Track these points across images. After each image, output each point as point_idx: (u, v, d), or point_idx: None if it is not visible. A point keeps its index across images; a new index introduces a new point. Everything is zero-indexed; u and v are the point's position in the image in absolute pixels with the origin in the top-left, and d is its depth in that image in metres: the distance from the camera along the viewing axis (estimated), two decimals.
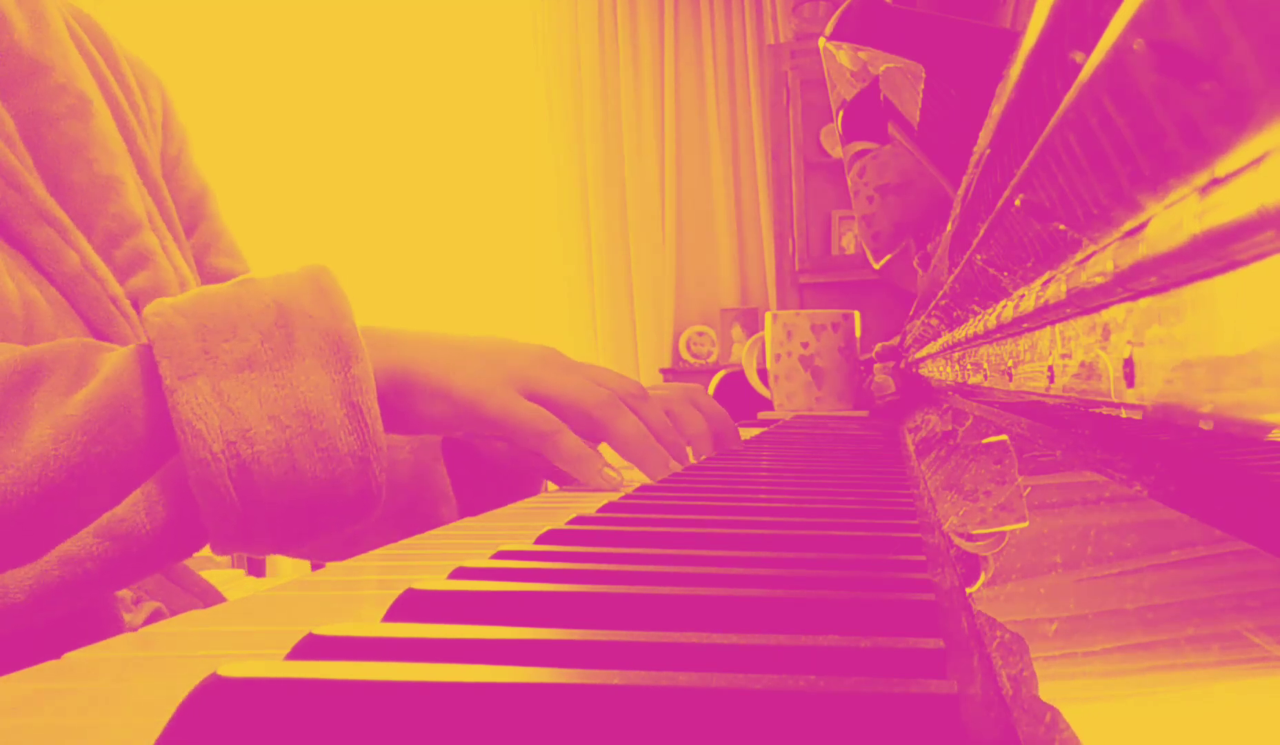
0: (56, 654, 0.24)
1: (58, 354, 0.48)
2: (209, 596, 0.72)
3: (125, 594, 0.63)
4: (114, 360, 0.49)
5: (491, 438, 0.60)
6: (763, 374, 1.40)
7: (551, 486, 0.73)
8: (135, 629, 0.26)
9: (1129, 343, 0.22)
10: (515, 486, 0.72)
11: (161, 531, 0.47)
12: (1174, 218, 0.17)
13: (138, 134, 0.73)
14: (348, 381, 0.50)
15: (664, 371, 4.03)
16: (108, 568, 0.46)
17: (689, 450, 0.67)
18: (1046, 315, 0.30)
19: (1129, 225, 0.20)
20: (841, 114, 0.77)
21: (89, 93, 0.69)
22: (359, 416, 0.50)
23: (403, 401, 0.55)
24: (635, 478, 0.61)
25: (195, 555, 0.52)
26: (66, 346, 0.49)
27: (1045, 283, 0.29)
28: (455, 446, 0.70)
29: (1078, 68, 0.20)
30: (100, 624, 0.57)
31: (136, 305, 0.66)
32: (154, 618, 0.64)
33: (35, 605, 0.45)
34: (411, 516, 0.65)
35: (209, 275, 0.77)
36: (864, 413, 1.32)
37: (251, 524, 0.48)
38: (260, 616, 0.29)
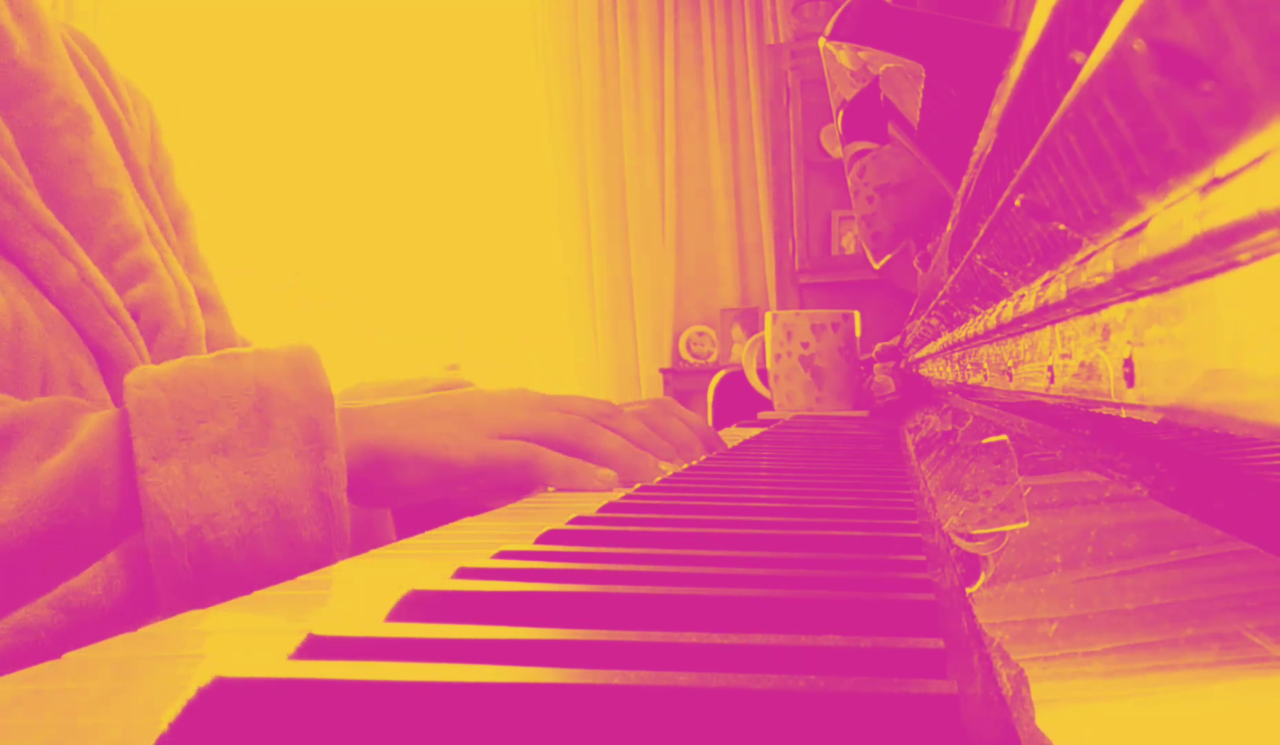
0: (56, 653, 0.24)
1: (33, 416, 0.48)
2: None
3: None
4: (90, 428, 0.49)
5: (478, 491, 0.60)
6: (763, 374, 1.40)
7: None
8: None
9: (1129, 343, 0.22)
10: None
11: (118, 604, 0.48)
12: (1174, 218, 0.17)
13: (133, 147, 0.74)
14: (319, 472, 0.50)
15: (664, 371, 4.03)
16: (60, 638, 0.46)
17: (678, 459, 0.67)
18: (1046, 315, 0.30)
19: (1129, 225, 0.20)
20: (841, 114, 0.77)
21: (87, 108, 0.69)
22: (327, 507, 0.50)
23: (381, 476, 0.56)
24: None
25: None
26: (44, 408, 0.49)
27: (1045, 283, 0.29)
28: None
29: (1078, 68, 0.20)
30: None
31: (136, 316, 0.66)
32: None
33: None
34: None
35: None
36: (864, 413, 1.32)
37: (205, 597, 0.48)
38: (260, 617, 0.29)
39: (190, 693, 0.16)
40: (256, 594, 0.32)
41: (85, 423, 0.49)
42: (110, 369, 0.63)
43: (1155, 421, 0.20)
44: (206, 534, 0.47)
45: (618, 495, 0.51)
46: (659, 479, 0.58)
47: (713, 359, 4.04)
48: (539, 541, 0.33)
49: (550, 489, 0.60)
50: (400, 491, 0.57)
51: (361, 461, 0.54)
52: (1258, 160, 0.13)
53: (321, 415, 0.51)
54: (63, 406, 0.50)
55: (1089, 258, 0.23)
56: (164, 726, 0.16)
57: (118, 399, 0.63)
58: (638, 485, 0.57)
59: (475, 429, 0.58)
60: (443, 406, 0.59)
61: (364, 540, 0.66)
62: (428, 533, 0.45)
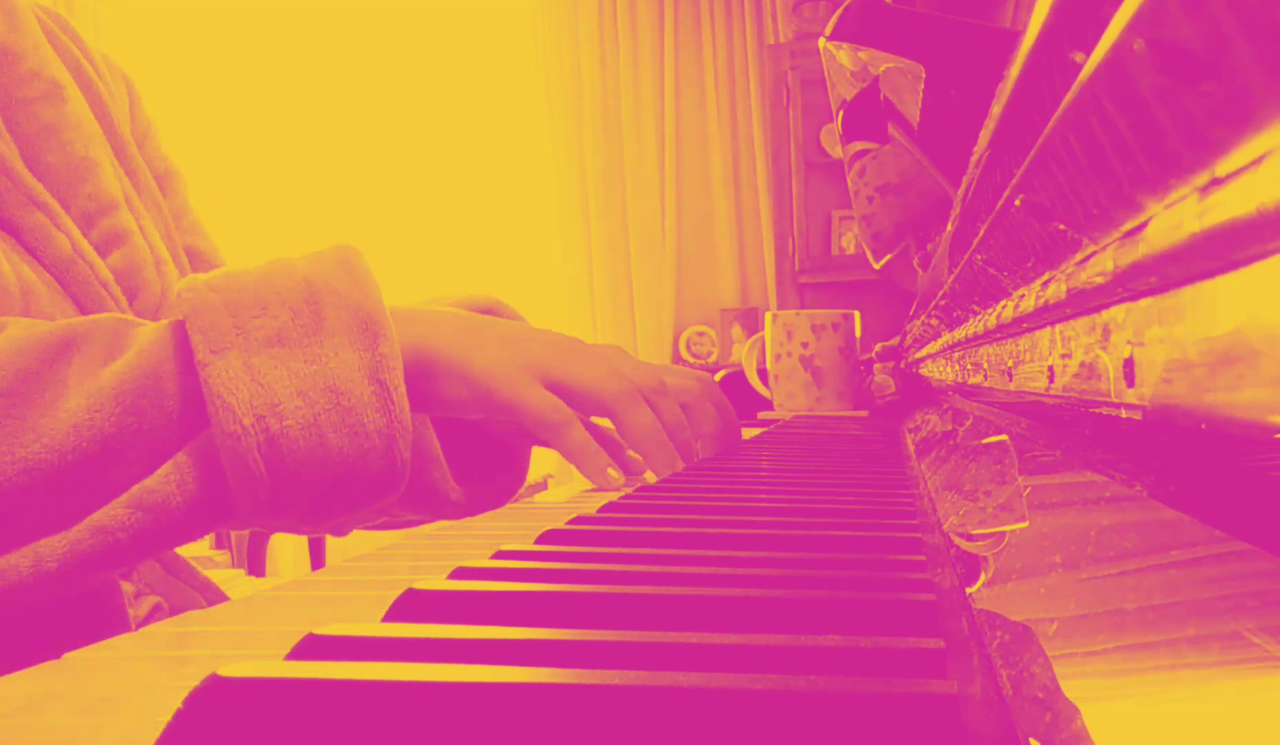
0: (57, 653, 0.24)
1: (91, 327, 0.49)
2: (209, 592, 0.72)
3: (127, 588, 0.63)
4: (147, 334, 0.50)
5: (503, 423, 0.61)
6: (763, 374, 1.40)
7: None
8: (136, 622, 0.26)
9: (1129, 343, 0.22)
10: (503, 446, 0.72)
11: (191, 503, 0.48)
12: (1174, 218, 0.17)
13: (112, 115, 0.74)
14: (375, 359, 0.51)
15: None
16: (138, 538, 0.47)
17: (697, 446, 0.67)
18: (1046, 315, 0.30)
19: (1129, 225, 0.20)
20: (841, 114, 0.77)
21: (61, 79, 0.70)
22: (385, 394, 0.50)
23: (424, 381, 0.56)
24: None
25: (196, 554, 0.52)
26: (100, 320, 0.50)
27: (1045, 283, 0.29)
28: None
29: (1078, 68, 0.20)
30: (106, 615, 0.57)
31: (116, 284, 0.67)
32: (154, 612, 0.65)
33: (66, 575, 0.46)
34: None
35: (175, 255, 0.78)
36: (864, 413, 1.32)
37: (278, 498, 0.49)
38: (260, 616, 0.29)
39: (188, 693, 0.16)
40: (257, 594, 0.32)
41: (142, 330, 0.50)
42: None
43: (1155, 421, 0.20)
44: (272, 424, 0.48)
45: (618, 495, 0.51)
46: (655, 479, 0.58)
47: (713, 359, 4.04)
48: (538, 541, 0.33)
49: (549, 485, 0.60)
50: (439, 401, 0.57)
51: (410, 361, 0.55)
52: (1258, 160, 0.13)
53: (372, 305, 0.52)
54: (116, 320, 0.51)
55: (1089, 258, 0.23)
56: (162, 727, 0.16)
57: None
58: (638, 485, 0.57)
59: (523, 367, 0.58)
60: (493, 329, 0.59)
61: (414, 452, 0.66)
62: (428, 533, 0.45)
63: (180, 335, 0.50)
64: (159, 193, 0.76)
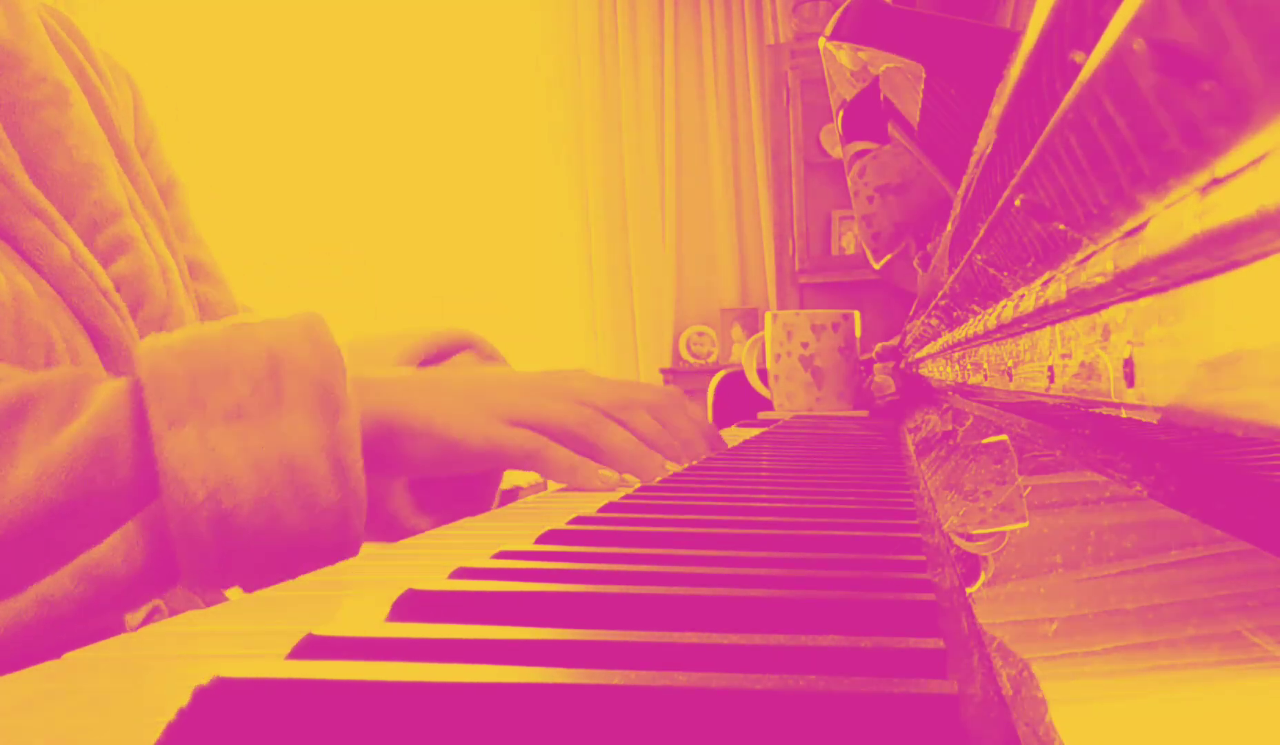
0: (57, 653, 0.24)
1: (46, 388, 0.48)
2: (209, 594, 0.72)
3: None
4: (104, 397, 0.49)
5: (480, 468, 0.60)
6: (763, 374, 1.40)
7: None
8: (134, 626, 0.26)
9: (1129, 343, 0.22)
10: (470, 485, 0.72)
11: (138, 574, 0.47)
12: (1174, 218, 0.17)
13: (116, 121, 0.73)
14: (333, 435, 0.50)
15: (664, 371, 4.03)
16: (82, 608, 0.46)
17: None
18: (1046, 315, 0.30)
19: (1129, 225, 0.20)
20: (841, 114, 0.77)
21: (66, 82, 0.69)
22: (342, 470, 0.50)
23: (389, 446, 0.56)
24: (634, 480, 0.61)
25: None
26: (56, 379, 0.49)
27: (1045, 283, 0.29)
28: None
29: (1078, 68, 0.20)
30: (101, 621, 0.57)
31: (118, 290, 0.66)
32: (153, 614, 0.64)
33: (9, 644, 0.45)
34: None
35: (178, 264, 0.77)
36: (864, 413, 1.32)
37: (226, 568, 0.48)
38: (260, 617, 0.29)
39: (189, 693, 0.16)
40: (256, 594, 0.32)
41: (99, 392, 0.49)
42: (104, 347, 0.63)
43: (1155, 421, 0.20)
44: (224, 499, 0.47)
45: (618, 495, 0.51)
46: (659, 478, 0.58)
47: (713, 359, 4.04)
48: (539, 541, 0.33)
49: (549, 485, 0.60)
50: (407, 464, 0.57)
51: (372, 431, 0.54)
52: (1257, 160, 0.13)
53: (334, 378, 0.51)
54: (75, 377, 0.50)
55: (1089, 258, 0.23)
56: (163, 727, 0.16)
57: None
58: (638, 485, 0.57)
59: (486, 412, 0.58)
60: (456, 384, 0.59)
61: (375, 512, 0.66)
62: (428, 532, 0.45)
63: (137, 401, 0.48)
64: (160, 202, 0.76)
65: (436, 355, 0.73)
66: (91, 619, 0.48)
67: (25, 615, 0.45)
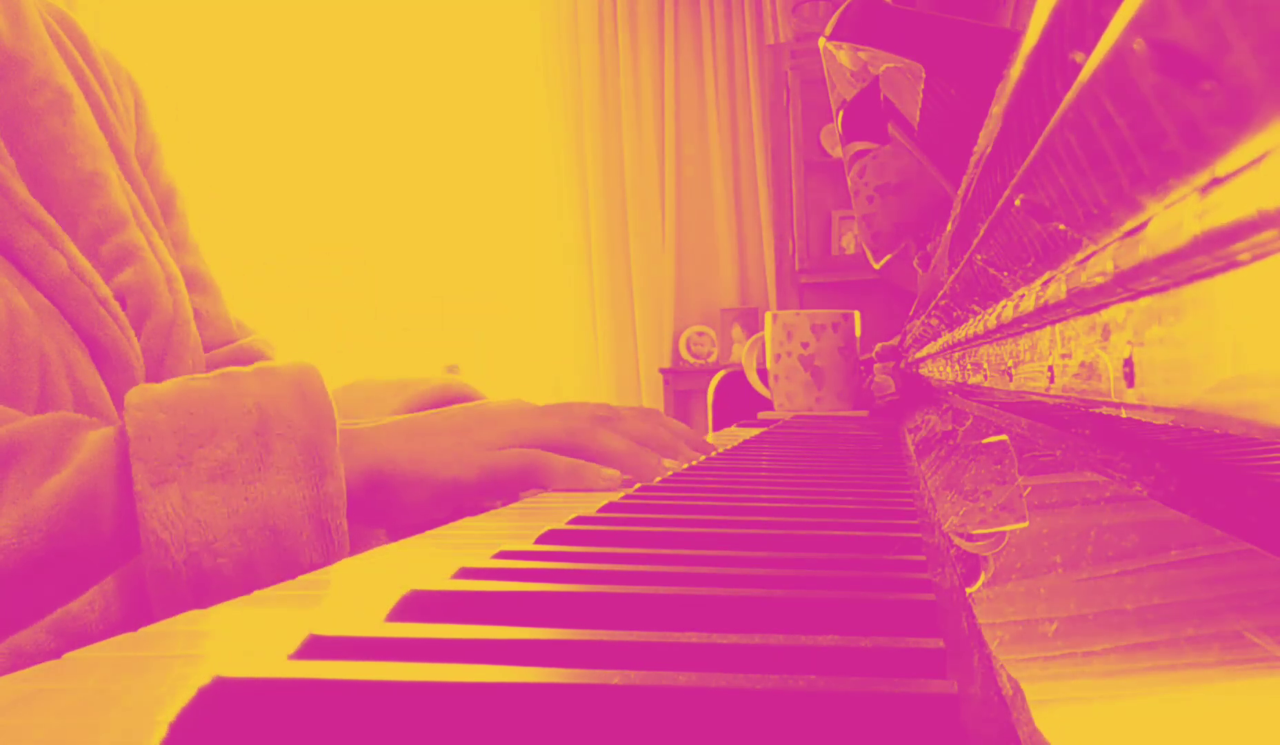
0: (57, 653, 0.24)
1: (33, 436, 0.48)
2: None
3: None
4: (89, 449, 0.48)
5: (481, 500, 0.60)
6: (763, 374, 1.40)
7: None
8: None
9: (1129, 343, 0.22)
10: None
11: (113, 629, 0.47)
12: (1174, 218, 0.17)
13: (117, 128, 0.73)
14: (319, 498, 0.50)
15: (664, 371, 4.03)
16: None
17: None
18: (1046, 315, 0.30)
19: (1129, 225, 0.20)
20: (841, 114, 0.77)
21: (68, 88, 0.68)
22: (326, 533, 0.50)
23: (382, 496, 0.55)
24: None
25: None
26: (43, 427, 0.49)
27: (1045, 283, 0.29)
28: None
29: (1078, 68, 0.20)
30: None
31: (123, 301, 0.65)
32: None
33: None
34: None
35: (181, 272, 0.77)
36: (864, 413, 1.32)
37: None
38: (260, 616, 0.29)
39: (191, 693, 0.16)
40: (257, 593, 0.32)
41: (84, 443, 0.49)
42: (103, 359, 0.62)
43: (1155, 421, 0.20)
44: (205, 560, 0.47)
45: (618, 495, 0.51)
46: (659, 479, 0.58)
47: (713, 359, 4.04)
48: (539, 541, 0.33)
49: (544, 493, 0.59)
50: (402, 511, 0.56)
51: (362, 483, 0.54)
52: (1258, 160, 0.13)
53: (322, 439, 0.51)
54: (61, 425, 0.49)
55: (1089, 258, 0.23)
56: (165, 727, 0.16)
57: (113, 389, 0.62)
58: (638, 485, 0.57)
59: (476, 444, 0.58)
60: (441, 424, 0.59)
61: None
62: (427, 533, 0.45)
63: (123, 455, 0.48)
64: (159, 212, 0.75)
65: (435, 404, 0.72)
66: None
67: None
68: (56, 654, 0.46)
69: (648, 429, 0.66)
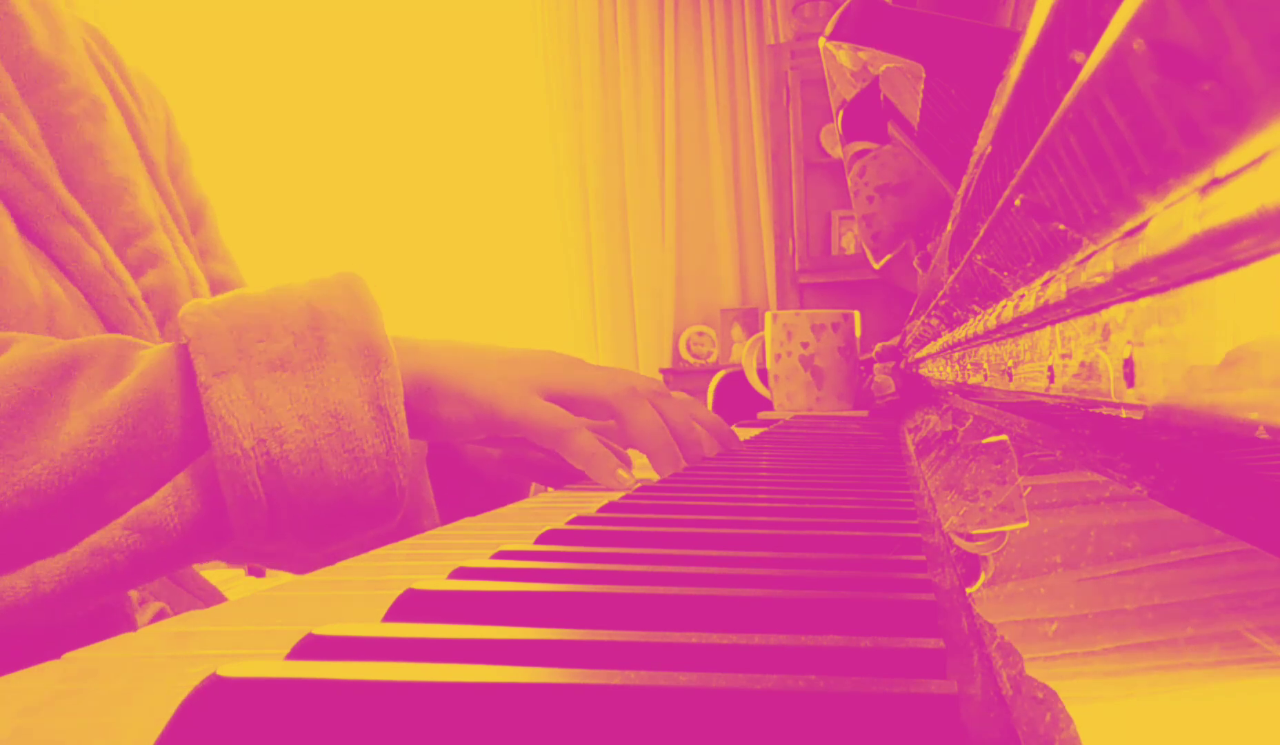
0: (58, 652, 0.24)
1: (96, 348, 0.49)
2: (210, 597, 0.72)
3: (132, 594, 0.63)
4: (151, 355, 0.50)
5: (508, 441, 0.61)
6: (763, 374, 1.40)
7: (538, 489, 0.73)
8: (138, 629, 0.26)
9: (1129, 343, 0.21)
10: (498, 497, 0.72)
11: (190, 526, 0.48)
12: (1174, 218, 0.17)
13: (148, 139, 0.75)
14: (376, 385, 0.51)
15: (664, 371, 4.03)
16: (136, 560, 0.47)
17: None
18: (1046, 315, 0.30)
19: (1129, 225, 0.20)
20: (841, 114, 0.77)
21: (102, 97, 0.71)
22: (385, 420, 0.51)
23: (425, 405, 0.56)
24: (642, 479, 0.61)
25: None
26: (104, 341, 0.50)
27: (1045, 283, 0.29)
28: (438, 458, 0.71)
29: (1078, 68, 0.20)
30: (113, 621, 0.57)
31: (148, 303, 0.67)
32: (158, 617, 0.65)
33: (64, 597, 0.46)
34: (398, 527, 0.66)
35: (207, 280, 0.79)
36: (864, 413, 1.32)
37: (276, 522, 0.49)
38: (260, 616, 0.29)
39: (188, 693, 0.16)
40: (257, 594, 0.32)
41: (146, 353, 0.50)
42: None
43: (1155, 421, 0.20)
44: (272, 447, 0.48)
45: (618, 495, 0.51)
46: (659, 478, 0.58)
47: (713, 359, 4.04)
48: (538, 541, 0.33)
49: (535, 489, 0.60)
50: (441, 425, 0.57)
51: (412, 387, 0.55)
52: (1258, 160, 0.13)
53: (374, 331, 0.52)
54: (121, 341, 0.51)
55: (1089, 258, 0.23)
56: (162, 726, 0.16)
57: None
58: (637, 485, 0.57)
59: (523, 382, 0.58)
60: (491, 352, 0.60)
61: (405, 521, 0.67)
62: (428, 533, 0.45)
63: (184, 358, 0.50)
64: (186, 219, 0.77)
65: None
66: (148, 573, 0.48)
67: (79, 566, 0.46)
68: (135, 550, 0.47)
69: (690, 423, 0.67)
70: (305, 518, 0.49)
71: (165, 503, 0.47)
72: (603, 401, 0.60)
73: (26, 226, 0.61)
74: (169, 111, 0.83)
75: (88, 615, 0.54)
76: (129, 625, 0.58)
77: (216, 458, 0.48)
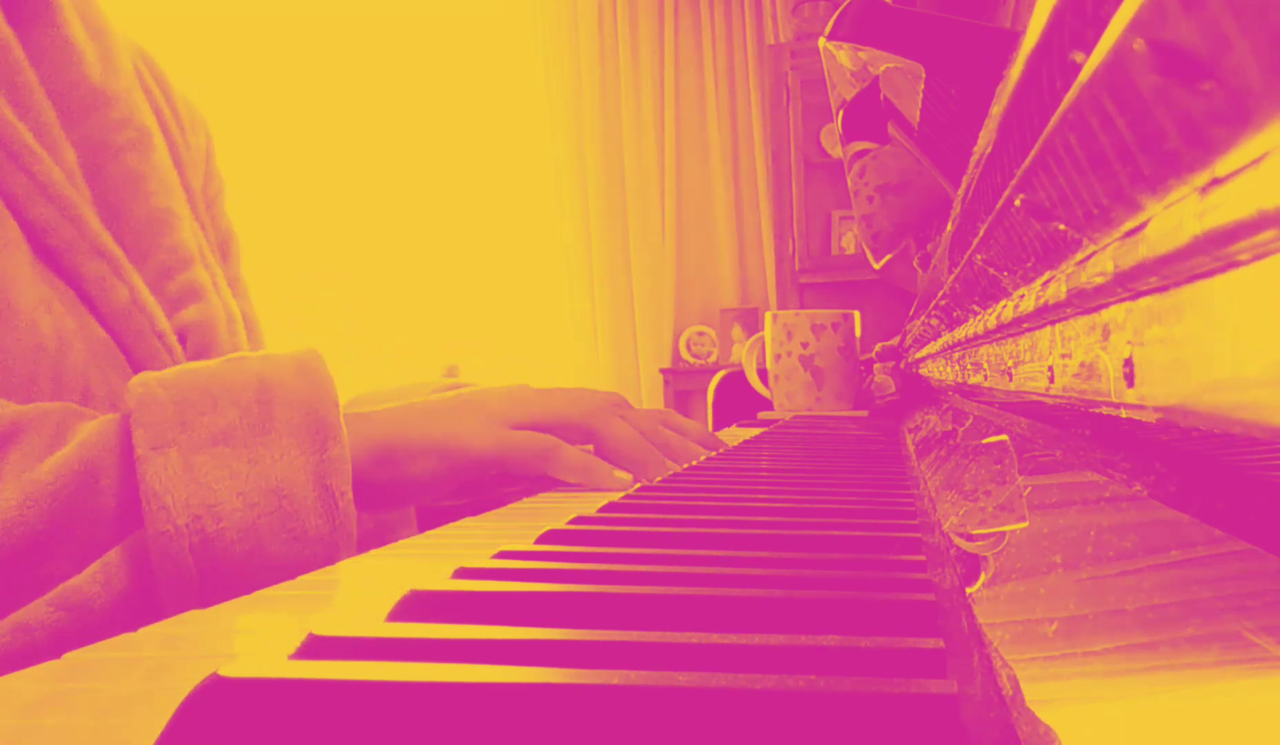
0: (55, 651, 0.24)
1: (38, 417, 0.48)
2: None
3: None
4: (92, 428, 0.48)
5: (488, 480, 0.60)
6: (763, 374, 1.40)
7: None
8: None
9: (1129, 343, 0.22)
10: (480, 500, 0.72)
11: (117, 601, 0.47)
12: (1174, 218, 0.17)
13: (189, 169, 0.75)
14: (323, 463, 0.50)
15: (664, 371, 4.03)
16: (57, 636, 0.46)
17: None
18: (1046, 315, 0.30)
19: (1129, 225, 0.20)
20: (841, 114, 0.77)
21: (150, 126, 0.70)
22: (330, 499, 0.49)
23: (391, 470, 0.55)
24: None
25: None
26: (48, 410, 0.49)
27: (1045, 283, 0.29)
28: None
29: (1078, 68, 0.20)
30: None
31: (184, 339, 0.66)
32: None
33: None
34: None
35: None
36: (864, 413, 1.32)
37: (208, 597, 0.48)
38: (259, 617, 0.29)
39: (189, 692, 0.16)
40: (257, 594, 0.32)
41: (88, 424, 0.49)
42: None
43: (1155, 421, 0.20)
44: (208, 524, 0.47)
45: (618, 495, 0.51)
46: (659, 478, 0.58)
47: (713, 359, 4.04)
48: (539, 541, 0.33)
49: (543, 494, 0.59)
50: (413, 486, 0.56)
51: (370, 458, 0.54)
52: (1258, 160, 0.13)
53: (324, 405, 0.51)
54: (65, 410, 0.49)
55: (1089, 258, 0.23)
56: (163, 726, 0.16)
57: None
58: (638, 485, 0.57)
59: (490, 418, 0.57)
60: (451, 402, 0.59)
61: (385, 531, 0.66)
62: (428, 533, 0.45)
63: (124, 430, 0.48)
64: (218, 253, 0.76)
65: None
66: (60, 650, 0.47)
67: (1, 642, 0.45)
68: (59, 627, 0.46)
69: (657, 428, 0.66)
70: (237, 590, 0.48)
71: (94, 580, 0.46)
72: (574, 424, 0.59)
73: (55, 261, 0.60)
74: (210, 139, 0.82)
75: None
76: None
77: (149, 534, 0.46)
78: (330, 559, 0.49)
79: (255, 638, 0.27)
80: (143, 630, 0.27)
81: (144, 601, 0.48)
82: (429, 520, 0.69)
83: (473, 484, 0.59)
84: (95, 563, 0.47)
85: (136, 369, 0.62)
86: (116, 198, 0.66)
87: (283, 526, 0.48)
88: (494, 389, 0.61)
